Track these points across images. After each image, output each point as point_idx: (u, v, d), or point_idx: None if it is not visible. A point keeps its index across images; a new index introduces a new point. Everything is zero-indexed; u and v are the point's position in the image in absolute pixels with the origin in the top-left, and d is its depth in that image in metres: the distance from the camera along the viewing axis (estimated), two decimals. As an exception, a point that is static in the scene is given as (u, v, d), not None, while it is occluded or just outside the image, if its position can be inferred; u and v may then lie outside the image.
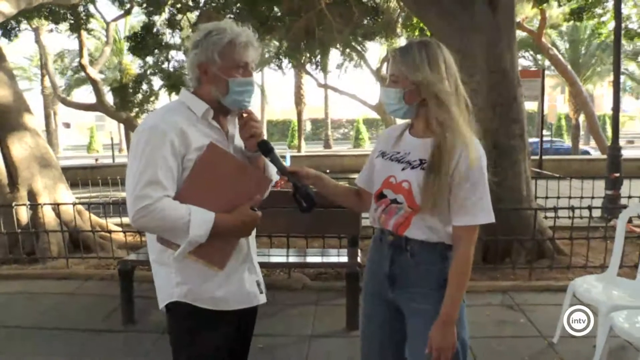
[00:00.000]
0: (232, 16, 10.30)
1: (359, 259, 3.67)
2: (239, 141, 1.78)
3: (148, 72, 12.55)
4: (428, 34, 7.21)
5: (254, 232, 1.81)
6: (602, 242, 4.53)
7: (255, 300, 1.78)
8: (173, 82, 12.32)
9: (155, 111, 1.74)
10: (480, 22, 4.84)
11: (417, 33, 10.96)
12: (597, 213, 6.31)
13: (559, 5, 11.67)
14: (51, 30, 14.53)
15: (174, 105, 1.71)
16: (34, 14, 10.49)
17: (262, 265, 4.07)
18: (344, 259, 3.79)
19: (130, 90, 12.34)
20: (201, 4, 11.58)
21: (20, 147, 5.66)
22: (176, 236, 1.56)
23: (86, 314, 3.96)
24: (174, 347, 1.73)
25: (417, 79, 1.57)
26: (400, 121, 1.82)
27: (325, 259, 3.98)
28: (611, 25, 12.31)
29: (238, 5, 10.22)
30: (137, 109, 12.44)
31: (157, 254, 1.68)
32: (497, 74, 4.82)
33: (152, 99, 12.91)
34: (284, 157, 12.40)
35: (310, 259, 4.07)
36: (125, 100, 12.22)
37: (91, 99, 18.80)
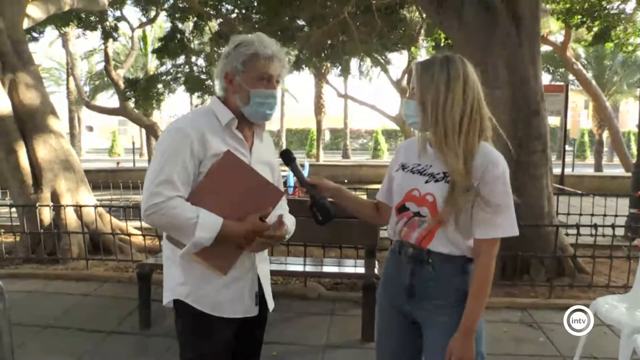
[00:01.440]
0: (237, 19, 10.42)
1: (376, 271, 3.65)
2: (262, 156, 1.82)
3: (167, 73, 12.82)
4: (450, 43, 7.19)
5: None
6: (626, 262, 4.43)
7: (249, 311, 1.80)
8: (192, 85, 12.54)
9: (185, 114, 1.82)
10: (504, 36, 4.80)
11: (443, 43, 10.90)
12: (620, 232, 6.17)
13: (588, 32, 11.56)
14: (78, 37, 14.87)
15: (202, 110, 1.78)
16: (63, 20, 10.72)
17: (279, 273, 4.14)
18: (361, 269, 3.77)
19: (144, 86, 12.55)
20: (223, 13, 11.77)
21: (44, 149, 5.78)
22: (183, 236, 1.63)
23: (103, 315, 4.00)
24: (179, 344, 1.79)
25: (431, 97, 1.56)
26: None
27: (342, 270, 3.96)
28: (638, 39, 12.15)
29: (258, 14, 10.34)
30: (147, 105, 12.65)
31: (169, 251, 1.76)
32: (520, 88, 4.77)
33: (161, 97, 13.11)
34: (302, 165, 12.43)
35: (326, 269, 4.06)
36: (135, 94, 12.45)
37: (114, 103, 19.16)
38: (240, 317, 1.77)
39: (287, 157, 1.77)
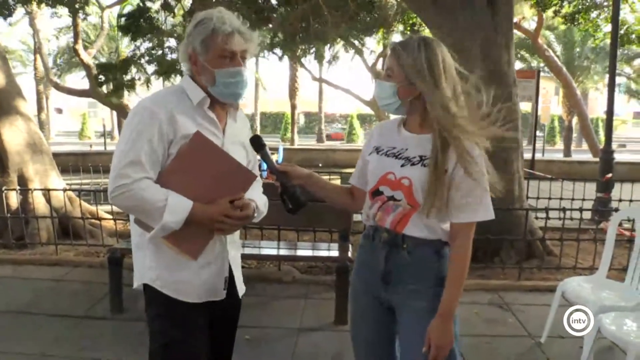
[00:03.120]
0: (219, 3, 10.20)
1: (349, 254, 3.67)
2: (236, 137, 1.77)
3: (139, 54, 12.39)
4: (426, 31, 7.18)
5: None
6: (592, 244, 4.56)
7: (217, 294, 1.74)
8: (165, 70, 12.18)
9: (154, 93, 1.74)
10: (479, 21, 4.83)
11: (415, 28, 10.92)
12: (587, 215, 6.35)
13: (554, 15, 11.69)
14: (40, 10, 14.25)
15: (172, 89, 1.71)
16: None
17: (253, 257, 4.13)
18: (335, 253, 3.78)
19: (117, 70, 12.15)
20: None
21: (11, 131, 5.60)
22: (151, 219, 1.57)
23: (74, 300, 3.94)
24: (149, 331, 1.74)
25: (412, 75, 1.55)
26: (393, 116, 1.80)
27: (316, 253, 3.97)
28: (607, 28, 12.35)
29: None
30: (121, 91, 12.29)
31: (137, 237, 1.71)
32: (493, 73, 4.81)
33: (140, 83, 12.76)
34: (276, 149, 12.36)
35: (300, 252, 4.08)
36: (109, 79, 12.05)
37: (84, 84, 18.68)
38: (210, 301, 1.73)
39: (257, 143, 1.72)
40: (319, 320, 3.63)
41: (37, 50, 22.67)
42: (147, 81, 12.96)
